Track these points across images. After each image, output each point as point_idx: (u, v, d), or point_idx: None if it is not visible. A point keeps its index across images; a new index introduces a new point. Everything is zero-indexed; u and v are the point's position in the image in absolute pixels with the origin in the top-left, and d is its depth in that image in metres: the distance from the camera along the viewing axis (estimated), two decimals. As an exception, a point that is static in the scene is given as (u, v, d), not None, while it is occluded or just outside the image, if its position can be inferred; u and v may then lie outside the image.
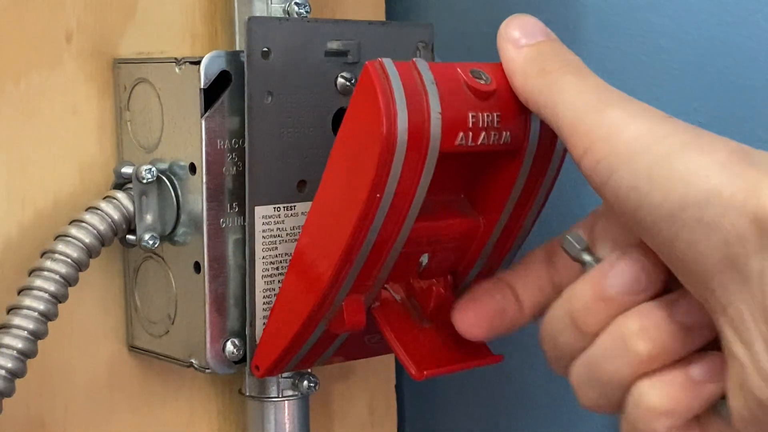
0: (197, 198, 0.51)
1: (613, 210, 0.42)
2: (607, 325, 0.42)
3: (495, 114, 0.45)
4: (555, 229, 0.55)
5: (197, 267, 0.52)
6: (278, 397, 0.56)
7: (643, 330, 0.41)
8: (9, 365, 0.48)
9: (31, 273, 0.50)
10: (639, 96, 0.45)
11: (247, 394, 0.57)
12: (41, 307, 0.49)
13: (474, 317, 0.47)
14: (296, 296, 0.48)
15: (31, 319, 0.48)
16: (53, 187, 0.53)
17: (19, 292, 0.49)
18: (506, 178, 0.47)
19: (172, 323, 0.53)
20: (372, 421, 0.66)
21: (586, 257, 0.44)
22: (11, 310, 0.49)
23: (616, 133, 0.40)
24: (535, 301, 0.48)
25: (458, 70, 0.45)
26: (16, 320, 0.48)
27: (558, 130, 0.42)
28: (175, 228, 0.52)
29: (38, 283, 0.49)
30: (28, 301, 0.49)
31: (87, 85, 0.54)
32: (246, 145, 0.50)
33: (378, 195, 0.43)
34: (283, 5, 0.53)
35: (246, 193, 0.51)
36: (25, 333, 0.48)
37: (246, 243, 0.51)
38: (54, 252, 0.50)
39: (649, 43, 0.54)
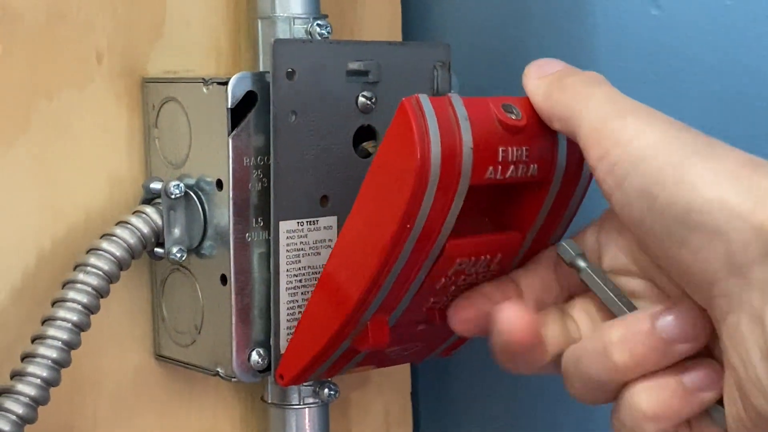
0: (224, 213, 0.53)
1: (620, 217, 0.43)
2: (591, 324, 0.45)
3: (524, 148, 0.46)
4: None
5: (223, 279, 0.53)
6: (299, 405, 0.58)
7: (623, 341, 0.43)
8: (44, 374, 0.50)
9: (64, 285, 0.51)
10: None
11: (269, 401, 0.59)
12: (75, 318, 0.50)
13: (466, 314, 0.49)
14: (323, 314, 0.49)
15: (65, 329, 0.50)
16: (84, 202, 0.55)
17: (53, 304, 0.51)
18: (532, 207, 0.48)
19: (199, 333, 0.55)
20: (388, 428, 0.68)
21: (581, 263, 0.46)
22: (46, 321, 0.51)
23: (633, 139, 0.42)
24: (538, 300, 0.49)
25: (490, 105, 0.46)
26: (51, 331, 0.50)
27: (579, 138, 0.44)
28: (201, 242, 0.54)
29: (71, 295, 0.51)
30: (62, 313, 0.50)
31: (117, 103, 0.56)
32: (271, 162, 0.52)
33: (408, 226, 0.45)
34: (305, 26, 0.55)
35: (271, 209, 0.53)
36: (59, 343, 0.50)
37: (270, 256, 0.53)
38: (86, 265, 0.52)
39: (659, 62, 0.55)
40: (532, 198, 0.48)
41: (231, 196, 0.52)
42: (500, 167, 0.46)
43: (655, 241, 0.41)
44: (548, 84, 0.46)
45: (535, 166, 0.47)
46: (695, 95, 0.54)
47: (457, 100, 0.45)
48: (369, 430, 0.67)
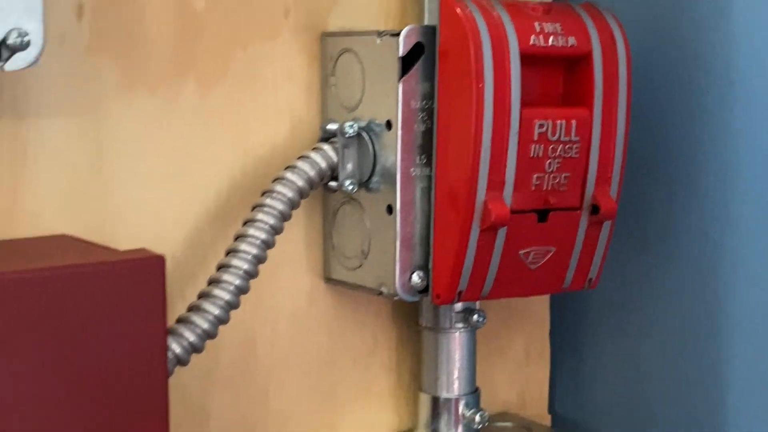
0: (392, 151, 0.60)
1: None
2: None
3: (557, 24, 0.60)
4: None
5: (389, 209, 0.61)
6: (450, 329, 0.65)
7: None
8: (237, 282, 0.57)
9: (254, 208, 0.59)
10: None
11: (423, 325, 0.66)
12: (263, 236, 0.58)
13: None
14: (448, 212, 0.59)
15: (254, 245, 0.58)
16: (270, 139, 0.63)
17: (244, 224, 0.59)
18: (588, 79, 0.61)
19: (366, 258, 0.63)
20: (528, 361, 0.74)
21: None
22: (238, 237, 0.58)
23: None
24: None
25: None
26: (243, 246, 0.57)
27: None
28: (371, 176, 0.61)
29: (260, 216, 0.58)
30: (252, 231, 0.58)
31: (300, 54, 0.63)
32: (435, 105, 0.59)
33: (480, 85, 0.57)
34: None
35: (433, 147, 0.60)
36: (249, 257, 0.57)
37: (431, 190, 0.60)
38: (273, 192, 0.59)
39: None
40: (586, 71, 0.61)
41: (399, 135, 0.60)
42: (541, 36, 0.59)
43: None
44: None
45: (573, 38, 0.60)
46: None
47: None
48: (511, 362, 0.73)
